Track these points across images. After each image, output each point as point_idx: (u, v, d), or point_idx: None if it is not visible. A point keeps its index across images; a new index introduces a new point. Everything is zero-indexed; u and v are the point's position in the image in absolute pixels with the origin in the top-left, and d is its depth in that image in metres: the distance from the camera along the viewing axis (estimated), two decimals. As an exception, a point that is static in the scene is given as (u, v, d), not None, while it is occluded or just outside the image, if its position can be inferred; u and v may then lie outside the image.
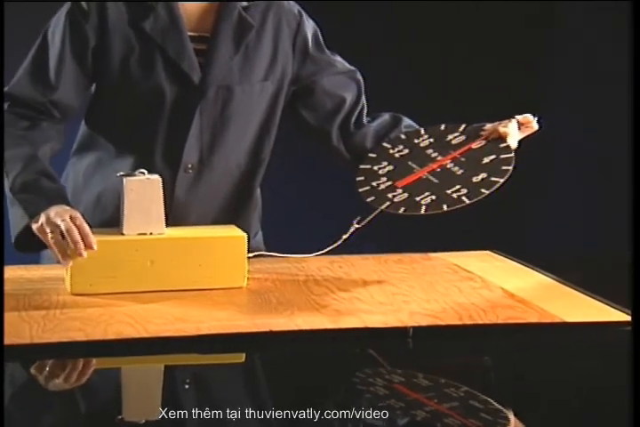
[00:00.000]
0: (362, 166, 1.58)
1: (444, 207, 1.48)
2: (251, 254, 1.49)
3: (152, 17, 1.53)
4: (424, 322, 1.28)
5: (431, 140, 1.58)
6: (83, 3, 1.52)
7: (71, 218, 1.36)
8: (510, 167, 1.51)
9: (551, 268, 1.60)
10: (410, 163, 1.55)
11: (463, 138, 1.58)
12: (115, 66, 1.53)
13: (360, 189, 1.54)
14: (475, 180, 1.50)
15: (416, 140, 1.59)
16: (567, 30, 2.95)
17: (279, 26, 1.60)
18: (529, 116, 1.60)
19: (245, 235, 1.46)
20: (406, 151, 1.58)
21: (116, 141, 1.58)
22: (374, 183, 1.54)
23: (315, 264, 1.60)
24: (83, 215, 1.40)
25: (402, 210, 1.49)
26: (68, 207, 1.39)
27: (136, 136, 1.56)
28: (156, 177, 1.42)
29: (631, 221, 1.34)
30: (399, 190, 1.51)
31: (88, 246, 1.34)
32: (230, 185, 1.62)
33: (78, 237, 1.33)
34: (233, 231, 1.47)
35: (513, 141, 1.56)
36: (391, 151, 1.58)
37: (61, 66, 1.52)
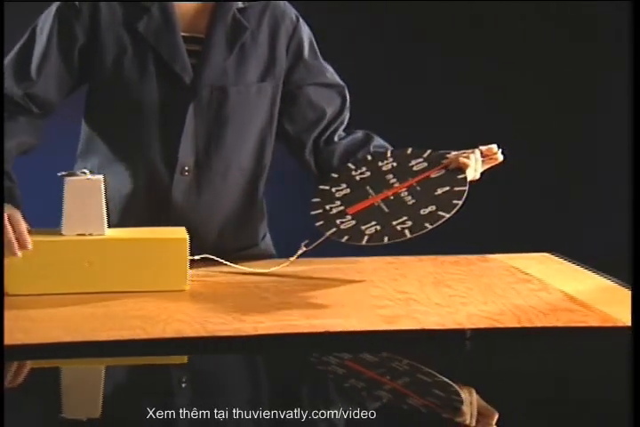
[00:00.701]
0: (321, 187, 1.57)
1: (385, 240, 1.47)
2: (197, 257, 1.46)
3: (146, 18, 1.52)
4: (482, 324, 1.27)
5: (394, 164, 1.57)
6: (75, 1, 1.52)
7: (9, 217, 1.35)
8: (460, 202, 1.49)
9: (609, 270, 1.57)
10: (367, 188, 1.54)
11: (425, 165, 1.56)
12: (107, 66, 1.53)
13: (312, 212, 1.54)
14: (422, 212, 1.48)
15: (380, 163, 1.58)
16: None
17: (276, 28, 1.59)
18: (493, 148, 1.56)
19: (187, 237, 1.41)
20: (367, 174, 1.57)
21: (115, 144, 1.57)
22: (327, 207, 1.54)
23: (370, 265, 1.60)
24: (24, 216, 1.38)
25: (345, 238, 1.48)
26: (8, 205, 1.38)
27: (133, 138, 1.56)
28: (97, 177, 1.39)
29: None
30: (348, 217, 1.50)
31: (22, 246, 1.33)
32: (234, 189, 1.61)
33: (12, 236, 1.33)
34: (175, 234, 1.42)
35: (472, 173, 1.53)
36: (353, 173, 1.58)
37: (44, 61, 1.52)
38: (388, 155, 1.59)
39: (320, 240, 1.51)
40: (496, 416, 1.03)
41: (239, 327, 1.24)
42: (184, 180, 1.56)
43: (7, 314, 1.26)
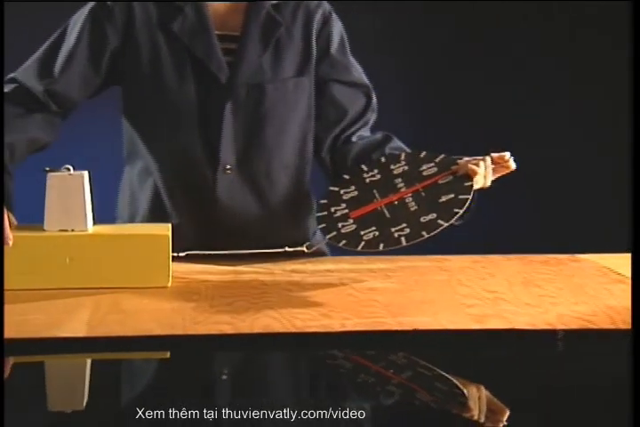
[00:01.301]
0: (331, 188, 1.55)
1: (380, 247, 1.45)
2: (182, 253, 1.45)
3: (180, 18, 1.52)
4: (574, 325, 1.24)
5: (406, 167, 1.54)
6: (108, 2, 1.53)
7: None
8: (461, 210, 1.45)
9: None
10: (374, 191, 1.51)
11: (435, 170, 1.52)
12: (142, 68, 1.53)
13: (318, 214, 1.53)
14: (422, 220, 1.46)
15: (392, 166, 1.55)
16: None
17: (308, 22, 1.59)
18: (505, 155, 1.51)
19: (169, 234, 1.38)
20: (377, 177, 1.54)
21: (156, 146, 1.57)
22: (333, 209, 1.52)
23: (457, 264, 1.58)
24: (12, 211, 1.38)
25: (342, 243, 1.46)
26: None
27: (174, 139, 1.56)
28: (79, 173, 1.38)
29: None
30: (350, 221, 1.48)
31: (4, 242, 1.33)
32: (278, 185, 1.60)
33: None
34: (158, 230, 1.41)
35: (482, 180, 1.48)
36: (364, 175, 1.56)
37: (70, 59, 1.52)
38: (402, 157, 1.56)
39: (320, 243, 1.53)
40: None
41: (326, 324, 1.24)
42: (227, 178, 1.57)
43: (101, 304, 1.30)
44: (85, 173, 1.39)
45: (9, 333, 1.17)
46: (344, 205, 1.52)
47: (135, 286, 1.37)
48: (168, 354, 1.20)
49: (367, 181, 1.54)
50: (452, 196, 1.47)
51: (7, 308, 1.27)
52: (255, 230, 1.60)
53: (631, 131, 1.43)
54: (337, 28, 1.63)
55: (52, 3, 1.60)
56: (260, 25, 1.56)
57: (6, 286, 1.34)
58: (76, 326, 1.20)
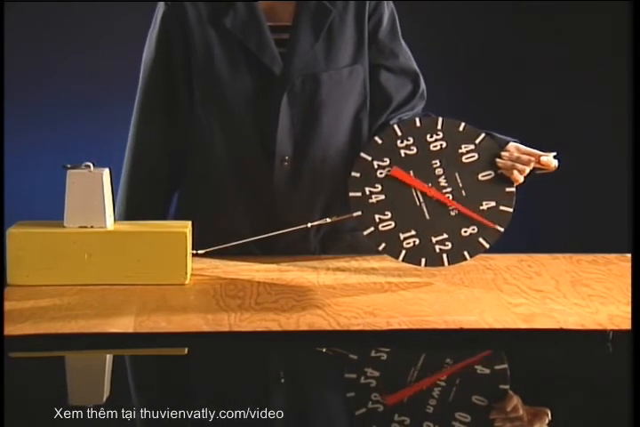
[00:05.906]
0: (362, 155, 1.45)
1: (422, 263, 1.43)
2: (201, 251, 1.45)
3: (232, 13, 1.53)
4: (625, 326, 1.22)
5: (443, 144, 1.44)
6: (170, 39, 1.54)
7: None
8: (502, 229, 1.42)
9: None
10: (411, 172, 1.43)
11: (475, 157, 1.44)
12: (199, 66, 1.54)
13: (351, 193, 1.45)
14: (464, 233, 1.42)
15: (429, 138, 1.44)
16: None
17: (361, 7, 1.57)
18: (551, 162, 1.46)
19: (187, 231, 1.39)
20: (413, 151, 1.44)
21: (215, 141, 1.57)
22: (367, 190, 1.45)
23: (503, 262, 1.56)
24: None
25: (382, 247, 1.43)
26: None
27: (231, 133, 1.56)
28: (100, 170, 1.39)
29: None
30: (388, 214, 1.43)
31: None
32: (335, 171, 1.58)
33: None
34: (176, 227, 1.41)
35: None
36: (398, 143, 1.44)
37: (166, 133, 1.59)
38: (439, 126, 1.44)
39: (346, 216, 1.47)
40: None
41: (372, 322, 1.23)
42: (284, 169, 1.56)
43: (148, 301, 1.30)
44: (106, 171, 1.40)
45: (56, 328, 1.18)
46: (379, 187, 1.45)
47: (153, 282, 1.38)
48: (213, 350, 1.20)
49: (402, 153, 1.44)
50: (494, 204, 1.44)
51: (53, 303, 1.28)
52: (311, 218, 1.58)
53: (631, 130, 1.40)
54: (388, 11, 1.61)
55: (53, 2, 1.59)
56: (311, 13, 1.55)
57: (26, 281, 1.36)
58: (124, 322, 1.21)
